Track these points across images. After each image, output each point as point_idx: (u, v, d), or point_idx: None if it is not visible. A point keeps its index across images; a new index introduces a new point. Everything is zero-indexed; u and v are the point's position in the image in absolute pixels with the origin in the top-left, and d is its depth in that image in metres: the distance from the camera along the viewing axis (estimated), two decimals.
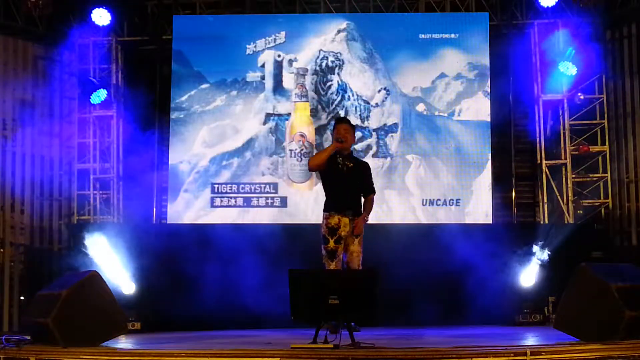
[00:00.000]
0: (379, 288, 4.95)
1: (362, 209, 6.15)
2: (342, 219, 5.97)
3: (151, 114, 9.71)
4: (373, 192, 6.23)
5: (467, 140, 9.13)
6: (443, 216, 9.00)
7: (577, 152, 9.26)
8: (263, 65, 9.37)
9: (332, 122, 7.17)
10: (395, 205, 9.03)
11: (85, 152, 9.72)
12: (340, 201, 6.03)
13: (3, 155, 9.20)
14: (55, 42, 9.26)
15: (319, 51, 9.36)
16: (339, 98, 9.31)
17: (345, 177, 6.04)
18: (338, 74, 9.33)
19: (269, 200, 9.19)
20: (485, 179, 9.05)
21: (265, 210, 9.14)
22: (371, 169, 6.43)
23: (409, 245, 8.04)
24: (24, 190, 9.42)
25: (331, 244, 5.92)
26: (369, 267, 5.91)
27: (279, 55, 9.37)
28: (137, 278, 8.15)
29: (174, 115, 9.38)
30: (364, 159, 7.30)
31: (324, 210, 6.08)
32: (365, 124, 9.24)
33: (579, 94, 9.14)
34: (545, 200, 9.27)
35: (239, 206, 9.17)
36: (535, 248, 8.04)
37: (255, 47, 9.39)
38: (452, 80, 9.23)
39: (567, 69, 8.92)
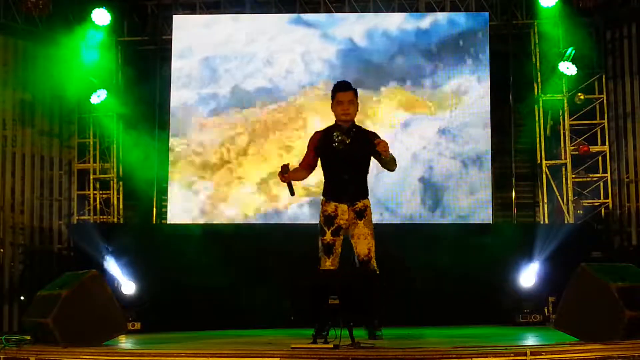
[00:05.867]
0: (378, 288, 4.95)
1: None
2: (340, 206, 5.17)
3: (151, 113, 9.70)
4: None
5: (467, 140, 9.12)
6: (443, 216, 8.99)
7: (577, 152, 9.26)
8: None
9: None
10: (394, 205, 9.02)
11: (85, 152, 9.73)
12: (334, 185, 5.20)
13: (3, 155, 9.19)
14: (55, 42, 9.25)
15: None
16: None
17: (339, 156, 5.14)
18: None
19: None
20: (485, 179, 9.04)
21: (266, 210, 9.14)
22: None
23: (408, 245, 8.03)
24: (24, 190, 9.42)
25: (328, 236, 5.15)
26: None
27: None
28: (137, 278, 8.15)
29: (173, 115, 9.37)
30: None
31: (322, 196, 5.32)
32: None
33: (579, 94, 9.14)
34: (545, 200, 9.27)
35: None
36: (535, 248, 8.04)
37: None
38: (452, 80, 9.22)
39: (567, 69, 8.92)
